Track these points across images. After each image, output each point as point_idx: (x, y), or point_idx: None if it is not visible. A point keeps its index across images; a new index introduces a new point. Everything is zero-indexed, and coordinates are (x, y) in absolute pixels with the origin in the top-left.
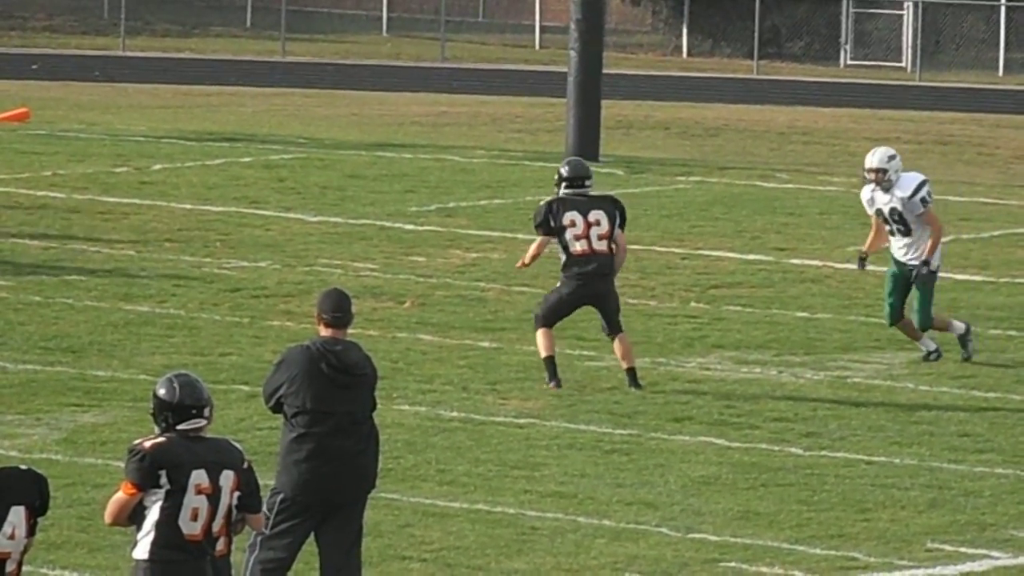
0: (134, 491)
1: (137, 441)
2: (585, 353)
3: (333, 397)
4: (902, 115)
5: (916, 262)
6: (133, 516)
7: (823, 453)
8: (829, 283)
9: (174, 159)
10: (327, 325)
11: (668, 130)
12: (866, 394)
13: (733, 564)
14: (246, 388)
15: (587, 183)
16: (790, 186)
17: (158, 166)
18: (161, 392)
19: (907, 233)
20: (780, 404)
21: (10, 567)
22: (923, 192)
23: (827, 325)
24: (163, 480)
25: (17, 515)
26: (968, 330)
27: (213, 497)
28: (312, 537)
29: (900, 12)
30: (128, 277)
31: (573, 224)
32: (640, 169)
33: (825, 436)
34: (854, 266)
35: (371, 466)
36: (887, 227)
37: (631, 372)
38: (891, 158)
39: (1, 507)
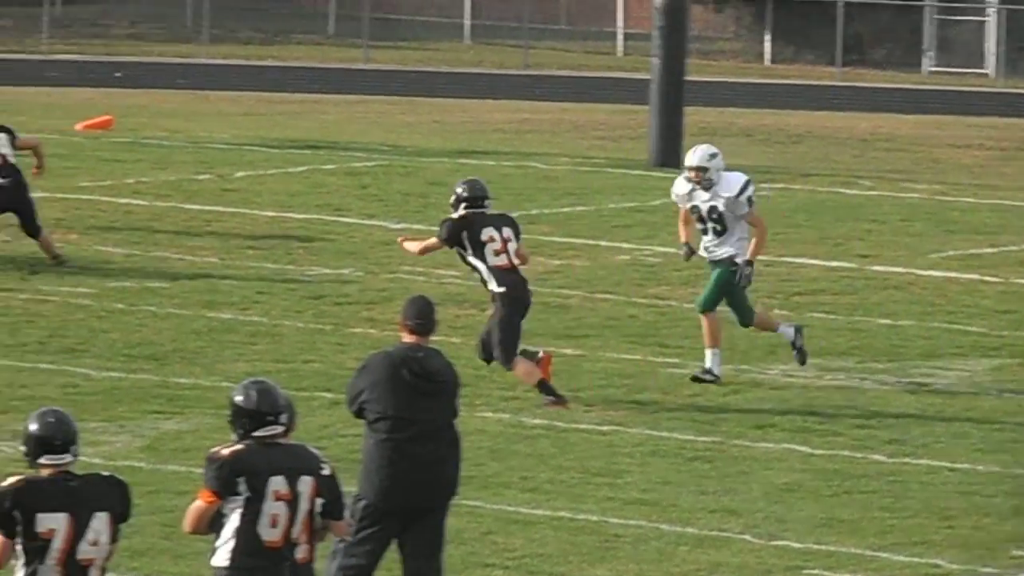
0: (213, 499)
1: (215, 449)
2: (668, 360)
3: (414, 404)
4: (985, 122)
5: (725, 256)
6: (212, 524)
7: (906, 460)
8: (912, 290)
9: (257, 166)
10: (410, 332)
11: (751, 137)
12: (949, 401)
13: (816, 571)
14: (329, 395)
15: (487, 203)
16: (873, 193)
17: (241, 173)
18: (238, 399)
19: (722, 232)
20: (863, 411)
21: (93, 574)
22: (748, 192)
23: (910, 332)
24: (242, 487)
25: (100, 522)
26: (798, 333)
27: (292, 503)
28: (395, 544)
29: (984, 18)
30: (211, 284)
31: (492, 239)
32: None
33: (908, 443)
34: (938, 273)
35: (452, 473)
36: (700, 224)
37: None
38: (712, 156)
39: (84, 514)
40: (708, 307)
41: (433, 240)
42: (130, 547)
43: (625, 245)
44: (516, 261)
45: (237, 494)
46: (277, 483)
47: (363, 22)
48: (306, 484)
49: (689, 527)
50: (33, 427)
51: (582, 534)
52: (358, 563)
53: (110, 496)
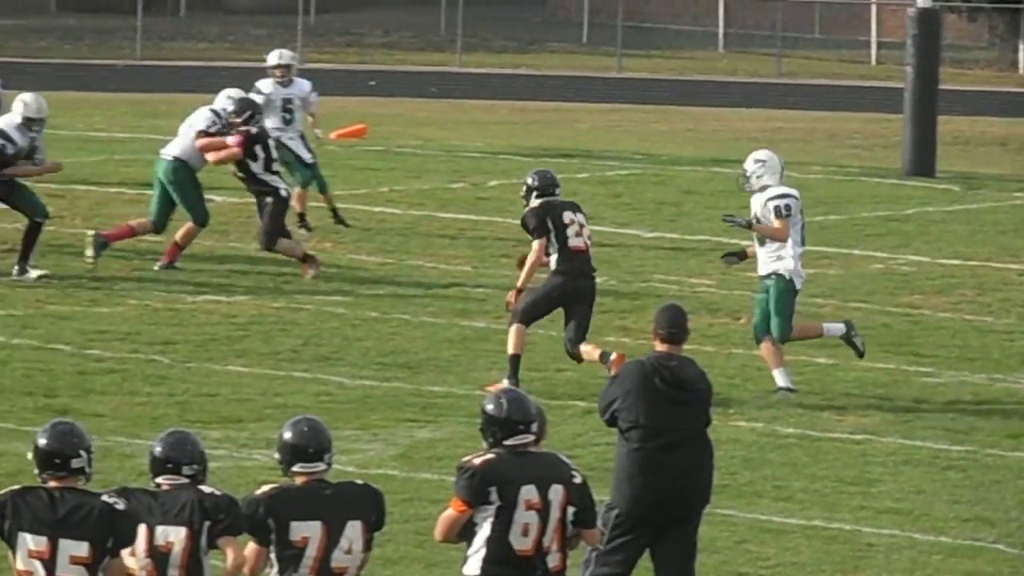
0: (464, 508)
1: (466, 458)
2: (922, 369)
3: (667, 412)
4: None
5: (766, 272)
6: (463, 533)
7: None
8: None
9: (510, 175)
10: (663, 340)
11: (1005, 146)
12: None
13: None
14: (582, 404)
15: (557, 191)
16: None
17: (494, 182)
18: (489, 408)
19: (761, 243)
20: None
21: None
22: (778, 201)
23: None
24: (493, 496)
25: (354, 530)
26: (849, 328)
27: (543, 512)
28: (647, 553)
29: None
30: (464, 293)
31: (572, 222)
32: (976, 185)
33: None
34: None
35: (705, 481)
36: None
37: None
38: (758, 162)
39: (338, 522)
40: (781, 336)
41: (534, 245)
42: (383, 555)
43: (878, 254)
44: (589, 245)
45: (488, 503)
46: (528, 492)
47: (617, 30)
48: (557, 493)
49: (942, 536)
50: (287, 435)
51: (835, 543)
52: (611, 572)
53: (364, 504)
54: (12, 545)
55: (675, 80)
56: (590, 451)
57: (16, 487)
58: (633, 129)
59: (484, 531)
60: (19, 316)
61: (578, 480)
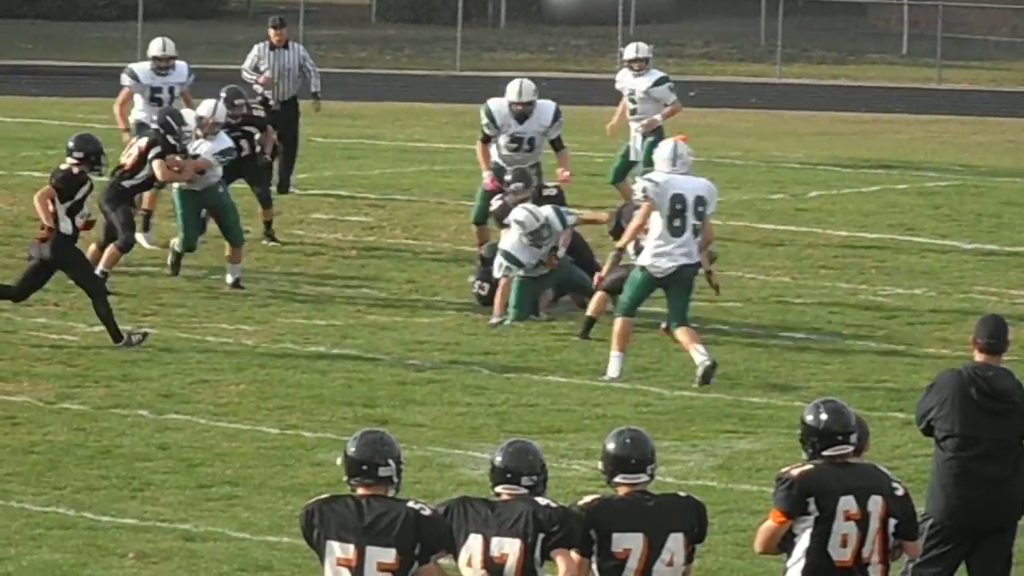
0: (783, 519)
1: (784, 469)
2: None
3: (982, 423)
4: None
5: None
6: (783, 544)
7: None
8: None
9: (830, 186)
10: (981, 350)
11: None
12: None
13: None
14: (901, 415)
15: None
16: None
17: (814, 193)
18: (808, 418)
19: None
20: None
21: None
22: (638, 183)
23: None
24: (811, 507)
25: (675, 542)
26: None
27: (862, 523)
28: (964, 565)
29: None
30: (784, 303)
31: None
32: None
33: None
34: None
35: (1019, 493)
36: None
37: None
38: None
39: (660, 534)
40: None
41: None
42: (702, 566)
43: None
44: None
45: (807, 514)
46: (847, 502)
47: (936, 41)
48: (876, 503)
49: None
50: (610, 446)
51: None
52: None
53: (686, 516)
54: (320, 553)
55: (994, 91)
56: (909, 463)
57: (324, 495)
58: (952, 140)
59: (803, 542)
60: (339, 326)
61: (900, 492)
